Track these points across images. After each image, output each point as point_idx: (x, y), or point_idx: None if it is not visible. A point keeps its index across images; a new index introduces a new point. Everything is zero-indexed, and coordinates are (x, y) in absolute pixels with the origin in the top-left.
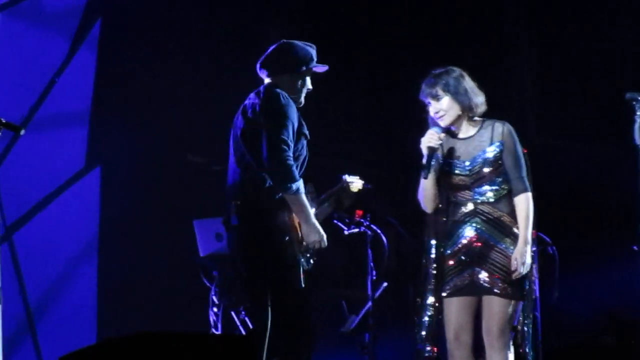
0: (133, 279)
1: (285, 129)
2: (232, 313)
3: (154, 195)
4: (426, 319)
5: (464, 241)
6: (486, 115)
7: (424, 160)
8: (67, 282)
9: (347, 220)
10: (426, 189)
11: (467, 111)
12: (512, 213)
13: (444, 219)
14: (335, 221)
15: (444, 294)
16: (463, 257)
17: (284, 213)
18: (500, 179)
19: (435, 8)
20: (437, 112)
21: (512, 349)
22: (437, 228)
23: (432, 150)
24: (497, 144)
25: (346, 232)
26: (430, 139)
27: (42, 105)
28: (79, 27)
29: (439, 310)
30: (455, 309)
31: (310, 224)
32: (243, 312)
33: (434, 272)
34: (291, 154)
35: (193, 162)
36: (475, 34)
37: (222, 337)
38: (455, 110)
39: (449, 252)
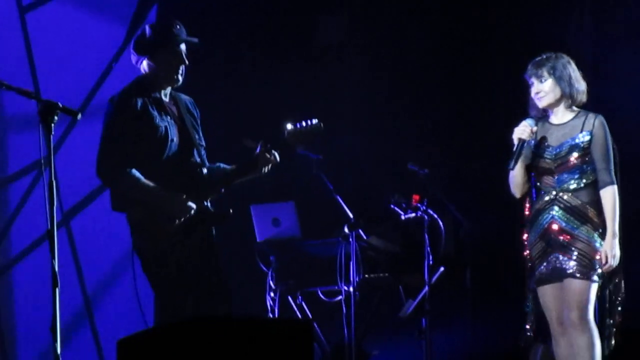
0: None
1: (105, 134)
2: (289, 298)
3: None
4: (529, 304)
5: (544, 229)
6: None
7: (513, 150)
8: (124, 267)
9: (404, 205)
10: (516, 176)
11: (566, 98)
12: (593, 203)
13: (529, 206)
14: (393, 206)
15: (534, 284)
16: (544, 245)
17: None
18: (585, 168)
19: (495, 14)
20: (537, 93)
21: (596, 330)
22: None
23: (521, 142)
24: (586, 132)
25: (403, 217)
26: (522, 131)
27: (99, 91)
28: (135, 14)
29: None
30: (551, 297)
31: (163, 200)
32: (300, 297)
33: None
34: (112, 153)
35: (248, 148)
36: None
37: (279, 322)
38: (556, 93)
39: (532, 240)
